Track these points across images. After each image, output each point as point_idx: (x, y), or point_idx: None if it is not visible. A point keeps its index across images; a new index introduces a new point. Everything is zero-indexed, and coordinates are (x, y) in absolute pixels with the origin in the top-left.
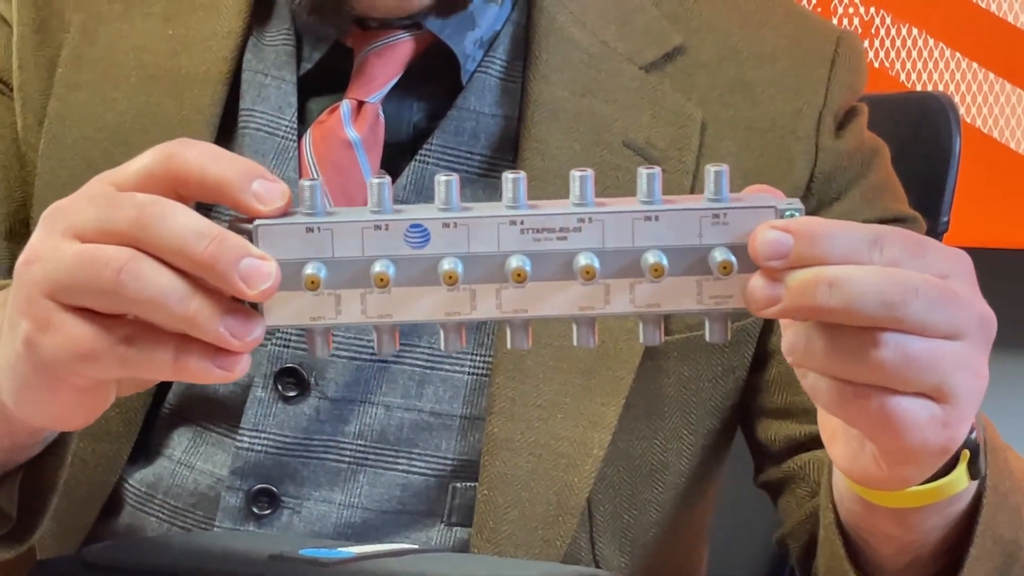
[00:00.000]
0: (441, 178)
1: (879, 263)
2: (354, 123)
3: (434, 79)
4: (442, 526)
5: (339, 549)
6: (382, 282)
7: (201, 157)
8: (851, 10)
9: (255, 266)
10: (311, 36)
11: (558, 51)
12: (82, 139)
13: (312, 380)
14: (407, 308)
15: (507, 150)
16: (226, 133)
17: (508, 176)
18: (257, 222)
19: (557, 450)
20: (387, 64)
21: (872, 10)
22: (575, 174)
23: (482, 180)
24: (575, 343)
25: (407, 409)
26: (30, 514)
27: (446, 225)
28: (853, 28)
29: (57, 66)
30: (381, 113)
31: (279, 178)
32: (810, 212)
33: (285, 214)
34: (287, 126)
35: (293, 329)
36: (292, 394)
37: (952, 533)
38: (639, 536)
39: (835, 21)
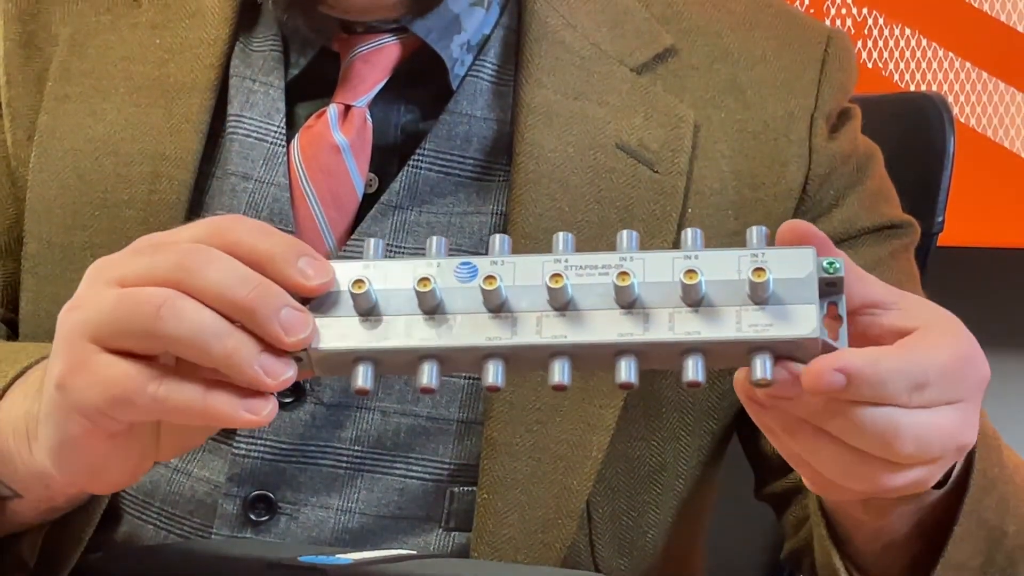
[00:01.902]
0: (496, 235)
1: (916, 403)
2: (341, 127)
3: (422, 83)
4: (440, 531)
5: (337, 556)
6: (425, 285)
7: (252, 233)
8: (844, 11)
9: (295, 316)
10: (297, 42)
11: (550, 54)
12: (72, 151)
13: (308, 386)
14: (449, 334)
15: (500, 153)
16: (214, 139)
17: (559, 234)
18: None
19: (556, 453)
20: (374, 68)
21: (865, 11)
22: (623, 233)
23: (475, 184)
24: (616, 381)
25: (404, 414)
26: (50, 564)
27: (494, 263)
28: (846, 29)
29: (46, 80)
30: (369, 117)
31: (270, 179)
32: (808, 218)
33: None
34: (276, 132)
35: (339, 354)
36: (288, 400)
37: (928, 517)
38: (638, 538)
39: (828, 22)
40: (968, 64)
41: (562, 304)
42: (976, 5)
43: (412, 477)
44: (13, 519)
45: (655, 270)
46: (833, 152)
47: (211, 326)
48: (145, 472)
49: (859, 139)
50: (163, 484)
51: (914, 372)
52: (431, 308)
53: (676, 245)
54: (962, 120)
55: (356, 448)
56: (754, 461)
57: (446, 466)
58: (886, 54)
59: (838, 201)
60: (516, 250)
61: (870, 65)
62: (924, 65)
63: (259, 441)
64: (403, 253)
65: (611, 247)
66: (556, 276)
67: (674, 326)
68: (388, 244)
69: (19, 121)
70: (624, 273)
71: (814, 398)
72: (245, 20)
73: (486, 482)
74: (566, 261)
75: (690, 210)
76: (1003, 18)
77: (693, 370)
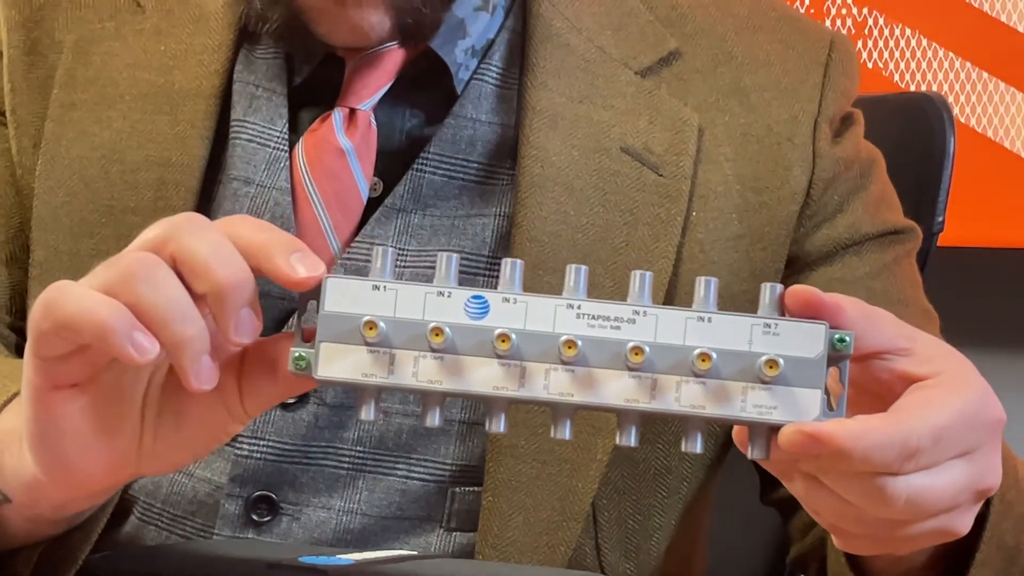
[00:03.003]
0: (507, 260)
1: (910, 470)
2: (346, 131)
3: (426, 87)
4: (441, 531)
5: (338, 556)
6: (437, 336)
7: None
8: (844, 11)
9: (247, 320)
10: (301, 48)
11: (555, 57)
12: (78, 158)
13: None
14: (457, 377)
15: (505, 157)
16: (220, 144)
17: (571, 267)
18: (327, 276)
19: (561, 455)
20: (378, 72)
21: (865, 11)
22: (636, 273)
23: (479, 187)
24: (617, 442)
25: (405, 415)
26: None
27: (506, 300)
28: (846, 29)
29: (51, 87)
30: (373, 120)
31: (271, 184)
32: (813, 225)
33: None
34: (278, 137)
35: (343, 386)
36: (291, 401)
37: (947, 544)
38: (644, 542)
39: (828, 22)
40: (968, 64)
41: (572, 360)
42: (976, 5)
43: (414, 478)
44: (4, 527)
45: (667, 330)
46: (837, 157)
47: (181, 304)
48: (124, 479)
49: (862, 144)
50: (165, 485)
51: (904, 443)
52: (440, 349)
53: (680, 248)
54: (962, 120)
55: (358, 449)
56: (759, 468)
57: (448, 467)
58: (886, 54)
59: (842, 206)
60: (521, 253)
61: (870, 65)
62: (924, 65)
63: (261, 442)
64: (406, 256)
65: (617, 250)
66: (570, 344)
67: (680, 397)
68: (391, 247)
69: (24, 129)
70: (638, 349)
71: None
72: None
73: (491, 485)
74: (579, 308)
75: (694, 213)
76: (1003, 18)
77: (692, 442)
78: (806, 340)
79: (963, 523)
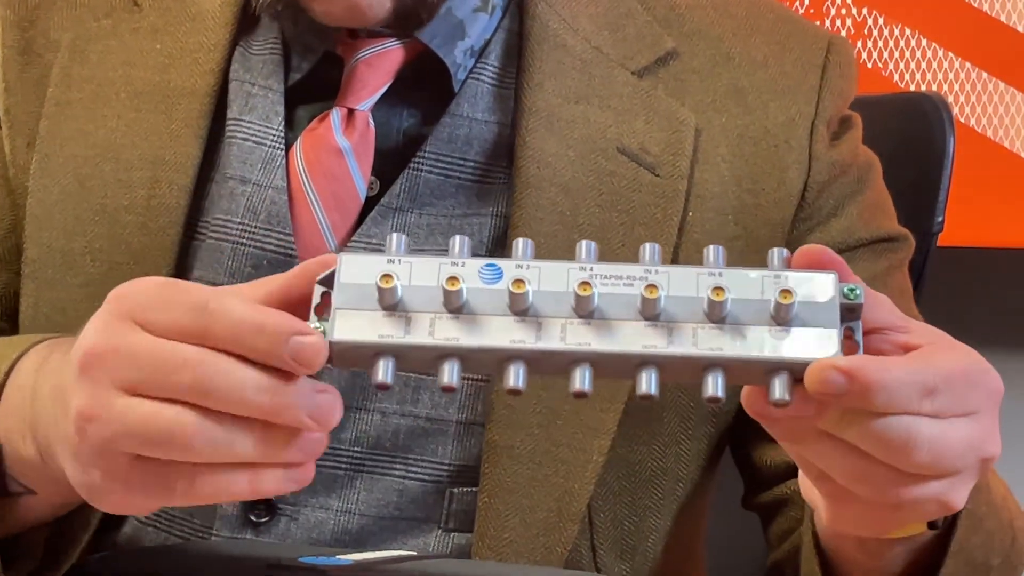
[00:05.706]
0: (519, 239)
1: (927, 412)
2: (344, 131)
3: (424, 87)
4: (439, 532)
5: (337, 557)
6: (453, 285)
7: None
8: (843, 11)
9: (307, 344)
10: (299, 46)
11: (551, 58)
12: (73, 156)
13: None
14: (474, 334)
15: (501, 157)
16: (214, 143)
17: (582, 243)
18: (341, 253)
19: (557, 457)
20: (377, 72)
21: (864, 11)
22: (645, 245)
23: (475, 186)
24: (637, 392)
25: (403, 415)
26: (59, 549)
27: (519, 266)
28: (846, 29)
29: (46, 86)
30: (371, 121)
31: (267, 183)
32: (807, 228)
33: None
34: (274, 135)
35: (360, 347)
36: None
37: (920, 558)
38: (639, 543)
39: (827, 22)
40: (968, 64)
41: (587, 312)
42: (976, 5)
43: (411, 478)
44: (28, 515)
45: (680, 285)
46: (833, 160)
47: (239, 446)
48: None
49: (860, 149)
50: None
51: (922, 378)
52: (456, 307)
53: (677, 249)
54: (962, 120)
55: (356, 449)
56: (744, 471)
57: (445, 467)
58: (886, 54)
59: (837, 211)
60: None
61: (870, 65)
62: (924, 65)
63: None
64: None
65: (613, 251)
66: (584, 284)
67: (698, 341)
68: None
69: (18, 128)
70: (652, 286)
71: (825, 405)
72: (246, 24)
73: (487, 485)
74: (591, 270)
75: (691, 214)
76: (1003, 18)
77: (713, 386)
78: (817, 287)
79: (960, 495)
